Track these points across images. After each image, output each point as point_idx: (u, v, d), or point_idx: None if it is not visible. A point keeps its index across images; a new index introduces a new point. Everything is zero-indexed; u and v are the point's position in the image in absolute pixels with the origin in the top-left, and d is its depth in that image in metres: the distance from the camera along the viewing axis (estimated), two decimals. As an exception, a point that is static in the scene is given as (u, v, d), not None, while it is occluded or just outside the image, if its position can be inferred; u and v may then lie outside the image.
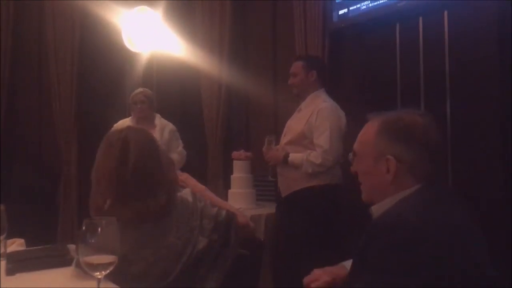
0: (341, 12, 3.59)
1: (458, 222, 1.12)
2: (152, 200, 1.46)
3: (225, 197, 3.74)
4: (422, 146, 1.21)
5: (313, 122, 2.92)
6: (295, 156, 2.96)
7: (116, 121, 3.98)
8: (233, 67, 4.28)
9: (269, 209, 3.60)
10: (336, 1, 3.62)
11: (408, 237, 1.03)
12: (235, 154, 3.75)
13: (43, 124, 4.95)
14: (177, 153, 3.77)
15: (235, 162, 3.72)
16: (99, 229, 1.20)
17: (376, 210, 1.24)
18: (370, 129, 1.29)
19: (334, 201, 2.96)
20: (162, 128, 3.79)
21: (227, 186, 3.90)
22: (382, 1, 3.28)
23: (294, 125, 3.06)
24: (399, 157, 1.21)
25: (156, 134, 3.70)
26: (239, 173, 3.70)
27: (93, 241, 1.19)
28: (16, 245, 1.87)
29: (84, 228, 1.19)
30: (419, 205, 1.14)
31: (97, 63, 4.92)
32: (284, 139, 3.11)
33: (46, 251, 1.77)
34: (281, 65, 4.17)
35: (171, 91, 4.29)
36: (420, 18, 3.13)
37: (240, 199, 3.61)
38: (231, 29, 4.28)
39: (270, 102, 4.15)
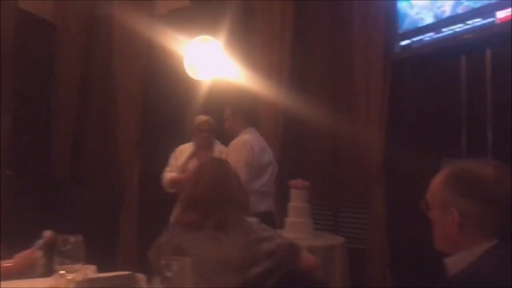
0: (403, 43, 3.57)
1: None
2: (216, 211, 1.77)
3: (281, 225, 3.74)
4: (491, 201, 1.18)
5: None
6: None
7: (180, 139, 4.14)
8: (291, 95, 4.29)
9: (328, 240, 3.57)
10: (399, 32, 3.59)
11: None
12: (292, 182, 3.72)
13: (108, 149, 5.17)
14: None
15: (292, 191, 3.69)
16: (174, 268, 1.26)
17: (452, 265, 1.22)
18: (439, 178, 1.30)
19: None
20: (219, 154, 3.82)
21: (283, 213, 3.84)
22: (447, 33, 3.23)
23: None
24: (463, 210, 1.20)
25: None
26: (296, 202, 3.66)
27: (167, 279, 1.25)
28: (89, 271, 1.95)
29: (161, 266, 1.24)
30: (499, 268, 1.11)
31: (160, 91, 5.14)
32: None
33: (116, 280, 1.84)
34: (341, 95, 4.16)
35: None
36: (488, 50, 3.05)
37: (297, 229, 3.59)
38: (291, 58, 4.30)
39: (328, 132, 4.15)
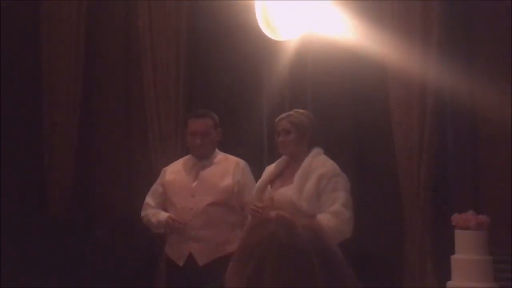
0: None
1: None
2: None
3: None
4: None
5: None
6: None
7: (249, 142, 3.47)
8: (447, 62, 3.14)
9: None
10: None
11: None
12: (457, 218, 2.70)
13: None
14: (330, 213, 2.67)
15: (457, 232, 2.67)
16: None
17: None
18: None
19: None
20: (306, 174, 2.77)
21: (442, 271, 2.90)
22: None
23: None
24: None
25: (294, 184, 2.79)
26: (466, 253, 2.63)
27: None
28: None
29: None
30: None
31: (214, 59, 3.93)
32: None
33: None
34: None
35: (337, 102, 3.35)
36: None
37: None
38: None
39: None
